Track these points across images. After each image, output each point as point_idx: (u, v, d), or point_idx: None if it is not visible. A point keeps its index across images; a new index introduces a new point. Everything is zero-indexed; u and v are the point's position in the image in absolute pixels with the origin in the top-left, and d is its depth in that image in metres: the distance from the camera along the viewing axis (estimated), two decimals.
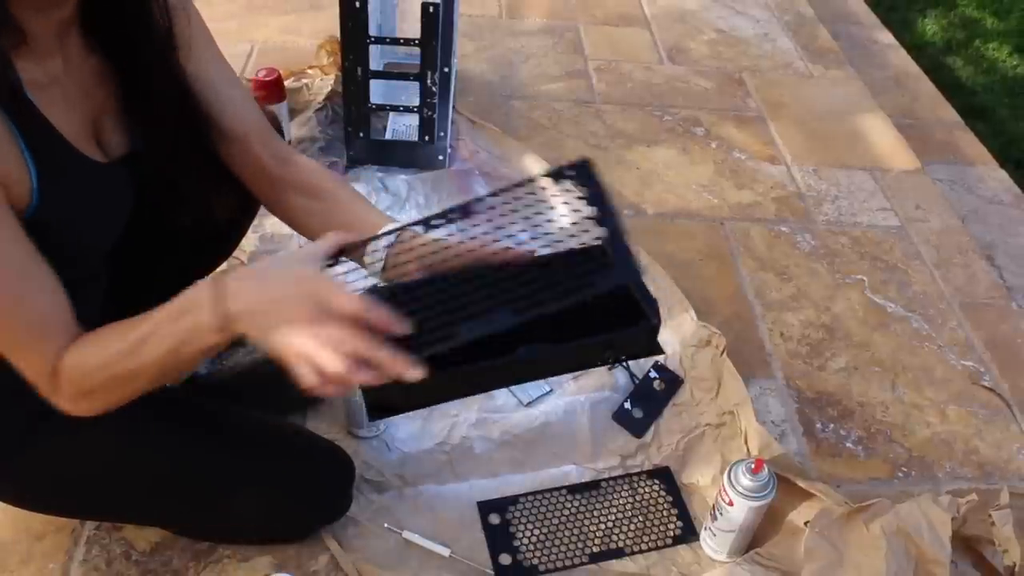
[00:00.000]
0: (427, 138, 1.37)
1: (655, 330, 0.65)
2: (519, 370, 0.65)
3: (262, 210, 1.25)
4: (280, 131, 0.87)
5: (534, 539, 0.89)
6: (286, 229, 1.23)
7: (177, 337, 0.59)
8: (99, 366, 0.60)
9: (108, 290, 0.75)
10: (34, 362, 0.61)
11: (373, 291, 0.64)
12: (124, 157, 0.70)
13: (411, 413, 1.00)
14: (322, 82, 1.48)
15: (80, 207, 0.64)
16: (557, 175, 0.64)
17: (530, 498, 0.93)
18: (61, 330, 0.61)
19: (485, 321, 0.59)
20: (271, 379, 0.98)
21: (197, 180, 0.75)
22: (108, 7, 0.63)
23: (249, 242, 1.21)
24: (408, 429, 0.99)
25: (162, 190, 0.73)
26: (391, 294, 0.62)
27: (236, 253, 1.19)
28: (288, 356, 0.55)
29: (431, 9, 1.22)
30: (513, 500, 0.93)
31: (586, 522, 0.91)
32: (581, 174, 0.65)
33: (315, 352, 0.53)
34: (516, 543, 0.89)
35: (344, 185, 0.80)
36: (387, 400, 0.62)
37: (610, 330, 0.63)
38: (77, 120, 0.64)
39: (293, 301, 0.54)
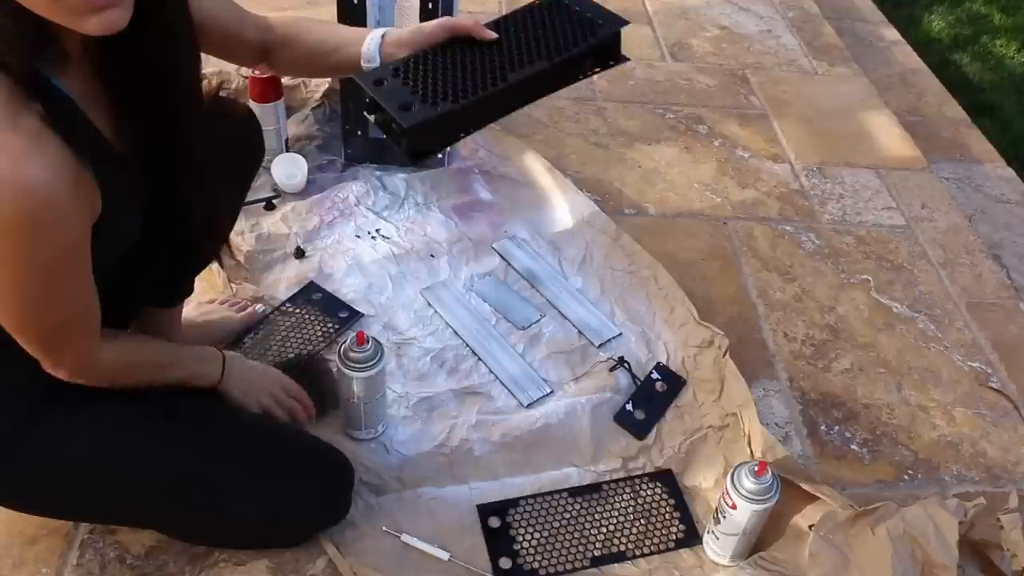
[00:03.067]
0: None
1: (618, 36, 0.82)
2: (523, 91, 0.79)
3: (260, 212, 1.25)
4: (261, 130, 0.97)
5: (534, 543, 0.88)
6: (283, 229, 1.24)
7: (189, 376, 0.84)
8: (127, 369, 0.78)
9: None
10: (74, 351, 0.71)
11: (389, 69, 0.78)
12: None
13: (411, 414, 1.00)
14: (319, 80, 1.47)
15: (120, 205, 0.66)
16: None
17: (530, 501, 0.92)
18: (97, 331, 0.72)
19: (529, 67, 0.77)
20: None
21: (190, 178, 0.74)
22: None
23: (246, 242, 1.20)
24: (407, 431, 0.98)
25: (159, 190, 0.73)
26: (407, 67, 0.78)
27: (233, 253, 1.19)
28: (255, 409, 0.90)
29: (430, 5, 1.21)
30: (513, 503, 0.92)
31: (587, 525, 0.90)
32: None
33: (271, 410, 0.91)
34: (516, 547, 0.88)
35: (314, 21, 0.89)
36: (422, 145, 0.78)
37: (587, 45, 0.80)
38: (105, 120, 0.65)
39: (262, 392, 0.90)
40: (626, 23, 0.81)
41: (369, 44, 0.82)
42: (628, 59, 0.84)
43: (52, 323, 0.67)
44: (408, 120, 0.73)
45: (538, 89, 0.81)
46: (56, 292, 0.64)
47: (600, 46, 0.81)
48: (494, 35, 0.80)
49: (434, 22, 0.81)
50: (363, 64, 0.82)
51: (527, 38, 0.81)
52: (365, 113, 0.79)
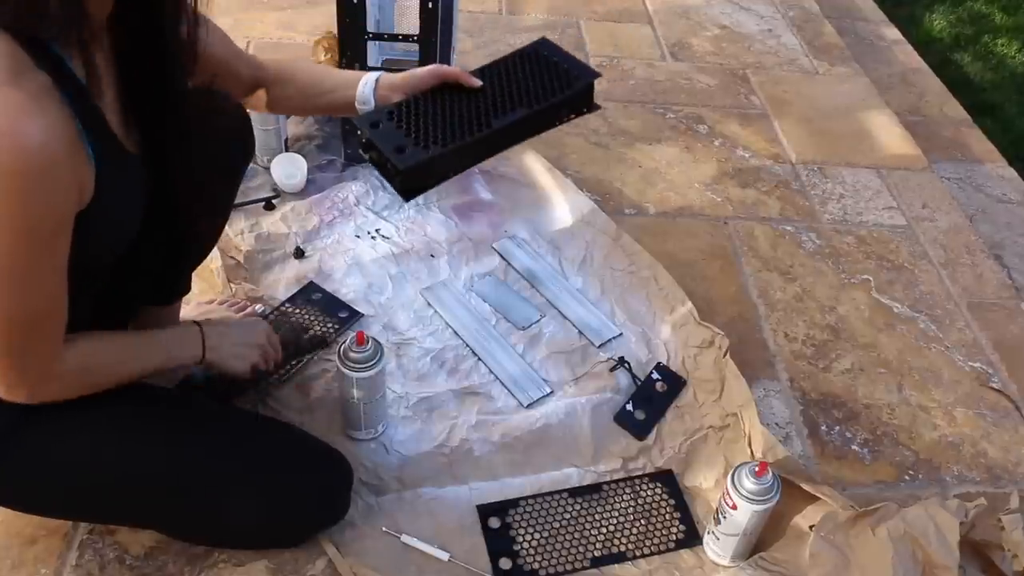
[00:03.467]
0: None
1: (591, 87, 0.88)
2: (505, 136, 0.85)
3: (259, 212, 1.25)
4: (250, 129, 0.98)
5: (535, 543, 0.88)
6: (282, 228, 1.24)
7: (166, 361, 0.81)
8: (95, 370, 0.74)
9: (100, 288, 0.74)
10: (38, 358, 0.68)
11: (384, 112, 0.84)
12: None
13: (410, 415, 0.99)
14: None
15: (123, 202, 0.66)
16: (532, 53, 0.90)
17: (530, 501, 0.92)
18: (63, 334, 0.69)
19: (511, 114, 0.84)
20: (267, 394, 0.99)
21: (187, 173, 0.75)
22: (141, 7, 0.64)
23: (246, 241, 1.20)
24: (407, 431, 0.98)
25: (163, 186, 0.73)
26: (401, 111, 0.84)
27: (233, 253, 1.19)
28: (239, 373, 0.88)
29: (430, 5, 1.20)
30: (513, 503, 0.91)
31: (587, 526, 0.90)
32: (544, 47, 0.91)
33: (256, 361, 0.90)
34: (516, 547, 0.87)
35: (308, 63, 0.96)
36: (414, 184, 0.82)
37: (564, 94, 0.86)
38: (115, 112, 0.65)
39: (251, 350, 0.89)
40: (599, 75, 0.88)
41: (363, 87, 0.87)
42: (600, 107, 0.90)
43: (26, 315, 0.64)
44: (403, 162, 0.79)
45: (518, 134, 0.87)
46: (36, 275, 0.62)
47: (575, 96, 0.87)
48: (479, 83, 0.86)
49: (425, 69, 0.86)
50: (358, 106, 0.87)
51: (509, 87, 0.86)
52: (360, 152, 0.85)
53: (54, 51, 0.58)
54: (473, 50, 1.77)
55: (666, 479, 0.96)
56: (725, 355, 1.07)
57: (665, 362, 1.09)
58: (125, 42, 0.65)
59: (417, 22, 1.23)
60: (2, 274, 0.61)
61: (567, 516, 0.91)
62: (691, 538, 0.90)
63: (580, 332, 1.13)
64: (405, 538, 0.86)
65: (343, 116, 0.92)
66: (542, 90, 0.86)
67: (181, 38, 0.67)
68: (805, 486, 0.91)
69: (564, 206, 1.34)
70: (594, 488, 0.94)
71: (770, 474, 0.82)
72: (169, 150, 0.71)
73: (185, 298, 0.99)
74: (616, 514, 0.91)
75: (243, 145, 0.97)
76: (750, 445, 0.97)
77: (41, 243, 0.61)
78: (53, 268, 0.63)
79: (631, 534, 0.90)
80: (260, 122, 1.27)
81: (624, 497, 0.93)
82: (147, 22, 0.65)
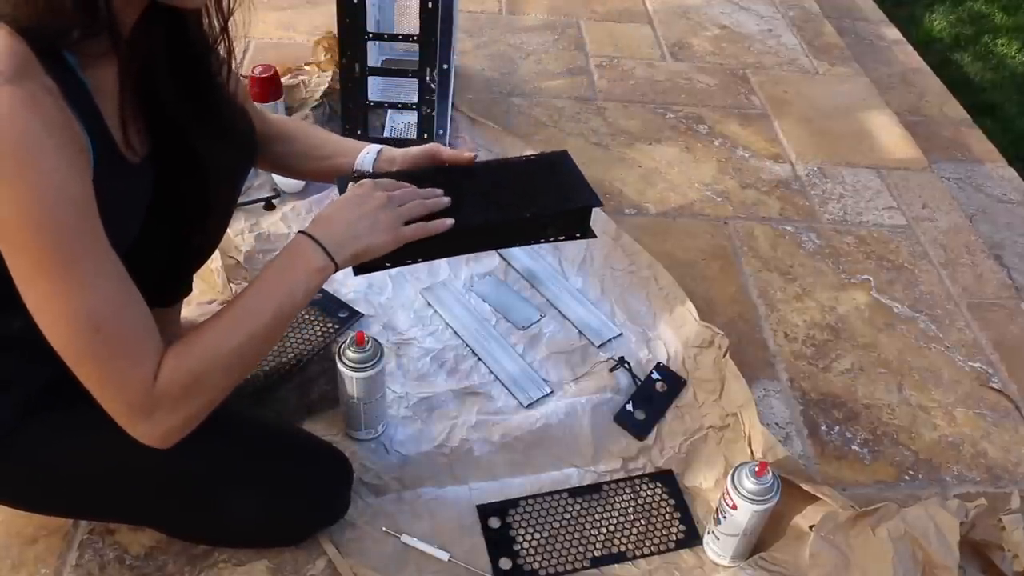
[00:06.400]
0: (426, 136, 1.36)
1: (586, 214, 0.83)
2: (475, 237, 0.81)
3: (259, 212, 1.25)
4: None
5: (535, 543, 0.88)
6: (282, 228, 1.24)
7: (285, 289, 0.68)
8: (204, 350, 0.64)
9: None
10: (134, 379, 0.62)
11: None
12: (145, 157, 0.70)
13: (410, 415, 0.99)
14: (319, 79, 1.47)
15: (114, 211, 0.65)
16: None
17: (530, 501, 0.92)
18: (156, 345, 0.63)
19: (483, 217, 0.79)
20: (267, 393, 0.99)
21: (198, 180, 0.75)
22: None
23: (246, 241, 1.20)
24: (407, 431, 0.98)
25: (172, 190, 0.73)
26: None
27: (233, 253, 1.19)
28: (387, 247, 0.74)
29: (430, 5, 1.20)
30: (513, 503, 0.91)
31: (587, 526, 0.90)
32: (561, 161, 0.87)
33: (400, 233, 0.74)
34: (516, 547, 0.87)
35: (313, 126, 0.95)
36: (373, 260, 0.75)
37: (552, 211, 0.82)
38: (119, 121, 0.65)
39: (382, 228, 0.73)
40: (599, 204, 0.84)
41: (363, 158, 0.87)
42: (595, 236, 0.85)
43: (88, 320, 0.59)
44: None
45: (493, 240, 0.84)
46: (76, 269, 0.58)
47: (564, 217, 0.82)
48: (470, 155, 0.84)
49: (421, 149, 0.85)
50: (355, 174, 0.86)
51: (500, 188, 0.82)
52: None
53: (68, 59, 0.58)
54: (473, 50, 1.77)
55: (666, 479, 0.96)
56: (725, 355, 1.07)
57: (665, 362, 1.09)
58: (148, 52, 0.65)
59: (417, 22, 1.24)
60: (42, 272, 0.57)
61: (567, 516, 0.91)
62: (691, 538, 0.90)
63: (580, 332, 1.13)
64: (405, 538, 0.86)
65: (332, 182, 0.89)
66: (530, 202, 0.81)
67: (213, 56, 0.68)
68: (805, 486, 0.91)
69: None
70: (594, 488, 0.94)
71: (770, 474, 0.82)
72: (181, 157, 0.71)
73: (186, 300, 0.99)
74: (616, 514, 0.91)
75: (247, 148, 0.97)
76: (750, 445, 0.97)
77: (65, 229, 0.57)
78: (95, 259, 0.59)
79: (631, 534, 0.90)
80: None
81: (624, 497, 0.93)
82: (172, 33, 0.65)
